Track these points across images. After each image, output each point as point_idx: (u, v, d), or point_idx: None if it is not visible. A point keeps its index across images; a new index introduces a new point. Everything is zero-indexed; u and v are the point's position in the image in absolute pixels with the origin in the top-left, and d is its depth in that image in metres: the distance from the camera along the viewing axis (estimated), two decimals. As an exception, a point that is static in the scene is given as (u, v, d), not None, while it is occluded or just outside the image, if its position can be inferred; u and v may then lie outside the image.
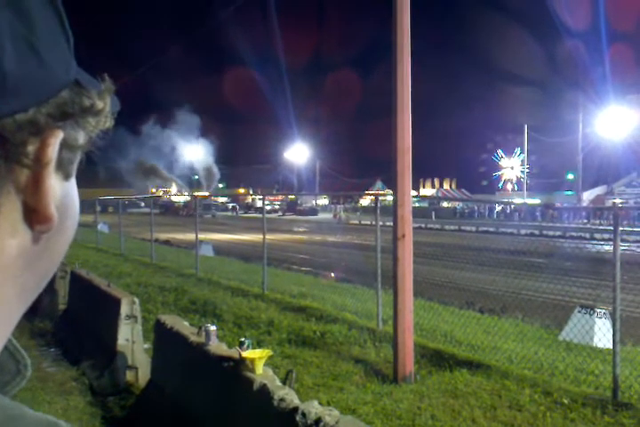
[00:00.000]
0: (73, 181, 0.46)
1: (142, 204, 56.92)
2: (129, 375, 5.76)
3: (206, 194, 61.46)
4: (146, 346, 6.14)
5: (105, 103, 0.45)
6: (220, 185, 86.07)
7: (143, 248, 17.73)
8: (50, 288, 8.52)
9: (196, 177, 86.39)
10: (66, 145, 0.43)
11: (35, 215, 0.42)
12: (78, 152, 0.45)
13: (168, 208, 60.45)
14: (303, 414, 3.00)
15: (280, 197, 65.54)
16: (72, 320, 7.71)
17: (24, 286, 0.44)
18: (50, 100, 0.41)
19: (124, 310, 5.91)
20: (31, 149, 0.40)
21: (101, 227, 24.95)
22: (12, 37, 0.37)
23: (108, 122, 0.46)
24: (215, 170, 78.15)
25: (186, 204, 58.54)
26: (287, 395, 3.24)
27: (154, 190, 78.33)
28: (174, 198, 66.71)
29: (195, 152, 76.49)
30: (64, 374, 6.20)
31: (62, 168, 0.44)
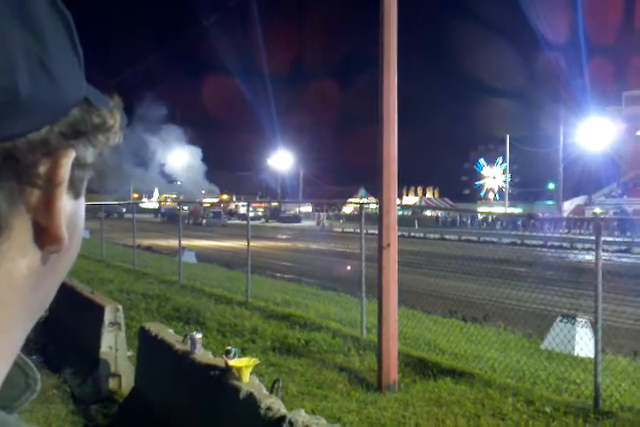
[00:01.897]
0: (82, 199, 0.45)
1: (124, 209, 55.99)
2: (112, 383, 5.70)
3: (215, 200, 59.00)
4: (129, 354, 6.09)
5: (115, 120, 0.44)
6: (203, 191, 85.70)
7: (125, 254, 17.59)
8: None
9: (179, 183, 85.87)
10: (77, 164, 0.42)
11: (46, 236, 0.41)
12: (89, 170, 0.44)
13: (171, 216, 56.20)
14: (290, 423, 3.00)
15: (263, 205, 65.36)
16: (54, 327, 7.61)
17: (32, 306, 0.43)
18: (61, 119, 0.40)
19: (108, 317, 5.87)
20: (43, 169, 0.39)
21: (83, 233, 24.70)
22: (24, 54, 0.36)
23: (117, 138, 0.45)
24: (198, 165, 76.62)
25: (191, 212, 55.15)
26: (274, 404, 3.24)
27: (135, 196, 77.76)
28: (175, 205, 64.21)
29: (178, 157, 75.93)
30: (45, 381, 6.12)
31: (73, 187, 0.43)
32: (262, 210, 64.17)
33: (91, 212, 20.53)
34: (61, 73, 0.39)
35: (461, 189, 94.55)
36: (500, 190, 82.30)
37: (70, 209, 0.43)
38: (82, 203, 0.46)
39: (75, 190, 0.44)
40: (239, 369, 3.60)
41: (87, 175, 0.45)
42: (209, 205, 56.17)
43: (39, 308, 0.45)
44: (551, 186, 71.90)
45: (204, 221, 51.13)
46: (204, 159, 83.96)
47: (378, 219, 6.25)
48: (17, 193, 0.39)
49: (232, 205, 67.67)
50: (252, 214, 14.35)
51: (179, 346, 4.42)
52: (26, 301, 0.42)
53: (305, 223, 57.72)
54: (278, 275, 16.51)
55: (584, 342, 7.37)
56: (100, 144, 0.44)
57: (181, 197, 74.71)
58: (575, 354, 7.42)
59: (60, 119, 0.40)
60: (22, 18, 0.37)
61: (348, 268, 14.28)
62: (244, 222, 12.38)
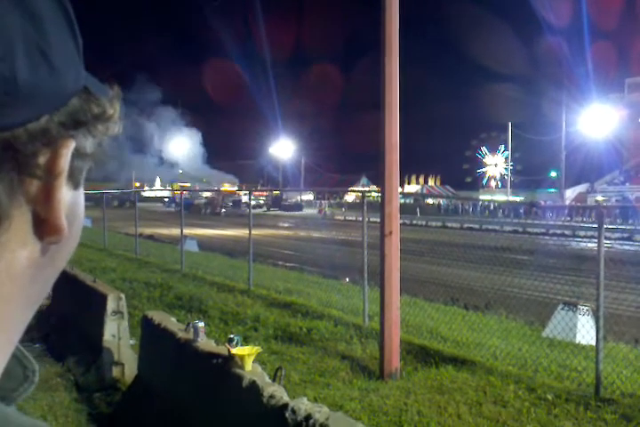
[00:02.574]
0: (81, 188, 0.45)
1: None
2: (115, 371, 5.73)
3: (234, 189, 56.70)
4: (132, 342, 6.11)
5: (115, 110, 0.44)
6: (204, 180, 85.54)
7: (127, 243, 17.63)
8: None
9: (180, 171, 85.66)
10: (77, 154, 0.42)
11: (45, 227, 0.41)
12: (88, 160, 0.44)
13: (186, 206, 54.53)
14: (293, 411, 3.01)
15: (265, 193, 65.09)
16: (57, 316, 7.65)
17: (30, 296, 0.43)
18: (60, 109, 0.40)
19: (111, 305, 5.88)
20: (42, 159, 0.39)
21: (85, 221, 24.74)
22: (23, 43, 0.36)
23: (117, 128, 0.45)
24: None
25: (209, 201, 52.93)
26: (277, 392, 3.25)
27: (137, 185, 77.64)
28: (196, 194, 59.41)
29: (177, 143, 75.34)
30: (49, 370, 6.15)
31: (73, 178, 0.43)
32: (264, 198, 63.96)
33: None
34: (61, 62, 0.38)
35: (463, 176, 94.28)
36: (502, 178, 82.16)
37: (70, 199, 0.43)
38: (81, 193, 0.46)
39: (74, 181, 0.43)
40: (242, 357, 3.61)
41: (87, 165, 0.45)
42: (227, 193, 53.55)
43: (37, 299, 0.45)
44: (553, 174, 71.75)
45: (223, 210, 48.28)
46: (205, 147, 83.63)
47: (379, 207, 6.24)
48: (17, 184, 0.38)
49: (236, 194, 67.34)
50: (253, 203, 14.33)
51: (181, 334, 4.43)
52: (25, 292, 0.42)
53: (307, 211, 57.66)
54: (280, 263, 16.55)
55: (585, 330, 7.39)
56: (99, 134, 0.44)
57: (197, 186, 73.80)
58: (577, 342, 7.44)
59: (59, 109, 0.40)
60: (22, 6, 0.36)
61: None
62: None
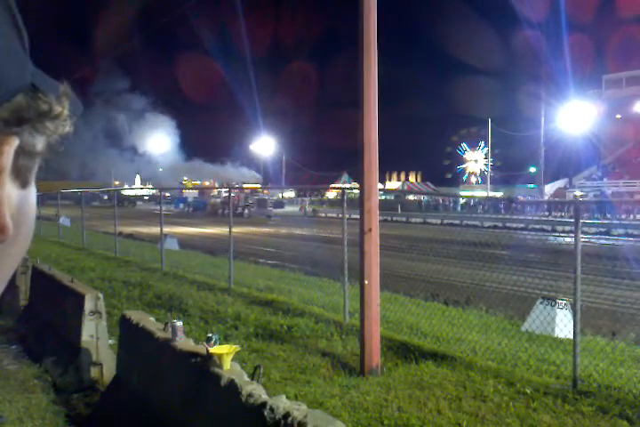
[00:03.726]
0: (31, 187, 0.44)
1: (105, 196, 54.99)
2: (93, 372, 5.67)
3: (257, 186, 52.28)
4: (110, 342, 6.06)
5: (63, 107, 0.43)
6: (186, 178, 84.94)
7: (106, 242, 17.47)
8: (11, 284, 8.32)
9: (160, 169, 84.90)
10: (23, 152, 0.41)
11: None
12: (37, 158, 0.43)
13: (198, 207, 49.30)
14: (271, 409, 3.00)
15: (246, 191, 64.80)
16: (34, 316, 7.56)
17: None
18: (4, 105, 0.39)
19: (88, 305, 5.81)
20: None
21: (63, 220, 24.50)
22: None
23: (67, 126, 0.44)
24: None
25: (227, 200, 50.18)
26: (255, 390, 3.23)
27: (117, 182, 76.88)
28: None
29: (158, 143, 74.63)
30: (26, 371, 6.07)
31: (20, 176, 0.42)
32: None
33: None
34: (3, 60, 0.37)
35: (444, 173, 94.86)
36: (482, 174, 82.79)
37: (17, 198, 0.42)
38: (31, 192, 0.44)
39: (21, 179, 0.42)
40: (220, 356, 3.59)
41: (35, 163, 0.43)
42: (249, 191, 46.43)
43: None
44: (532, 169, 72.44)
45: (246, 211, 42.46)
46: (184, 145, 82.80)
47: (359, 204, 6.24)
48: None
49: (214, 192, 66.99)
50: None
51: (160, 334, 4.39)
52: None
53: (288, 209, 57.61)
54: (262, 261, 16.51)
55: (564, 324, 7.47)
56: (48, 132, 0.43)
57: (211, 183, 71.27)
58: (555, 335, 7.52)
59: (1, 105, 0.39)
60: None
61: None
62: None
